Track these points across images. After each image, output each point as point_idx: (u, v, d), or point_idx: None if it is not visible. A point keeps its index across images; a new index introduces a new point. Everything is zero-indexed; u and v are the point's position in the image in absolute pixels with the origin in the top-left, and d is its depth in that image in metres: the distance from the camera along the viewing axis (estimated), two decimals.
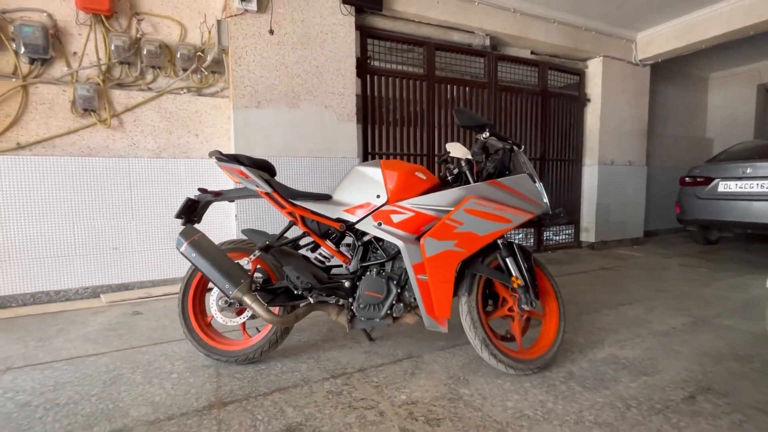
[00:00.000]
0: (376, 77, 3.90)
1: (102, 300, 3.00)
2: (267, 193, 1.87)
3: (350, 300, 1.82)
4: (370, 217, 1.81)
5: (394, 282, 1.81)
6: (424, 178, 1.84)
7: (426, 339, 2.20)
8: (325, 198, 1.89)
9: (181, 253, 1.71)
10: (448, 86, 4.30)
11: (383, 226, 1.78)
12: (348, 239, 1.94)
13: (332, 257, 1.92)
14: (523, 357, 1.78)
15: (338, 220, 1.85)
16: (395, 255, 1.83)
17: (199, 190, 1.94)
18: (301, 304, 1.84)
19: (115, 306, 2.92)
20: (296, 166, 3.42)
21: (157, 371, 1.85)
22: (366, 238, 1.87)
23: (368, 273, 1.82)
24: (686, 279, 3.58)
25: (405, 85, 4.06)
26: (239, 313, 1.87)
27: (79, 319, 2.63)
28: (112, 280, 3.15)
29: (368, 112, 3.91)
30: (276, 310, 1.91)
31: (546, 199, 1.82)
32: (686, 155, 6.89)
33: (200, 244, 1.73)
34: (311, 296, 1.78)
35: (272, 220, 3.33)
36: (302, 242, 1.97)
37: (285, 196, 1.86)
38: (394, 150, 4.09)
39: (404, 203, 1.77)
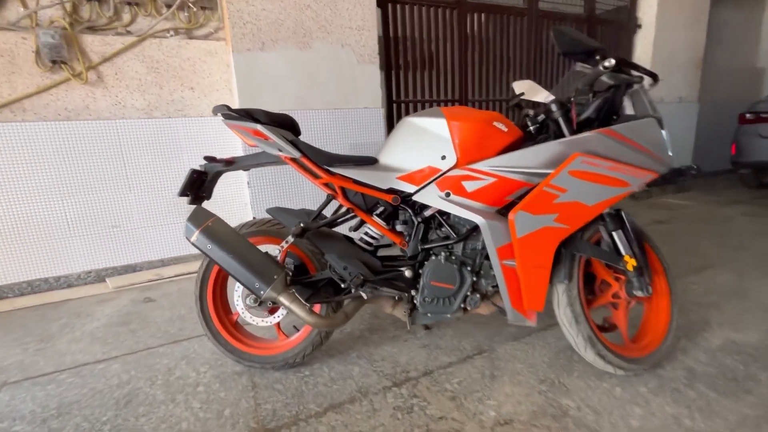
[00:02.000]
0: (399, 6, 3.24)
1: (108, 285, 2.68)
2: (294, 159, 1.43)
3: (411, 292, 1.44)
4: (433, 185, 1.37)
5: (468, 268, 1.41)
6: (505, 130, 1.37)
7: (490, 325, 1.85)
8: (370, 162, 1.44)
9: (193, 244, 1.31)
10: (482, 15, 3.62)
11: (453, 197, 1.35)
12: (403, 214, 1.51)
13: (382, 237, 1.52)
14: (632, 354, 1.42)
15: (390, 191, 1.42)
16: (468, 234, 1.41)
17: (206, 158, 1.49)
18: (346, 299, 1.46)
19: (123, 292, 2.60)
20: (311, 121, 2.91)
21: (179, 383, 1.53)
22: (427, 213, 1.45)
23: (433, 258, 1.42)
24: (762, 232, 3.17)
25: (432, 16, 3.40)
26: (272, 311, 1.51)
27: (84, 311, 2.31)
28: (116, 262, 2.81)
29: (390, 53, 3.30)
30: (317, 308, 1.55)
31: (671, 152, 1.36)
32: (735, 88, 6.17)
33: (216, 231, 1.32)
34: (364, 291, 1.40)
35: (295, 188, 2.89)
36: (339, 217, 1.56)
37: (318, 162, 1.42)
38: (422, 96, 3.53)
39: (481, 165, 1.33)
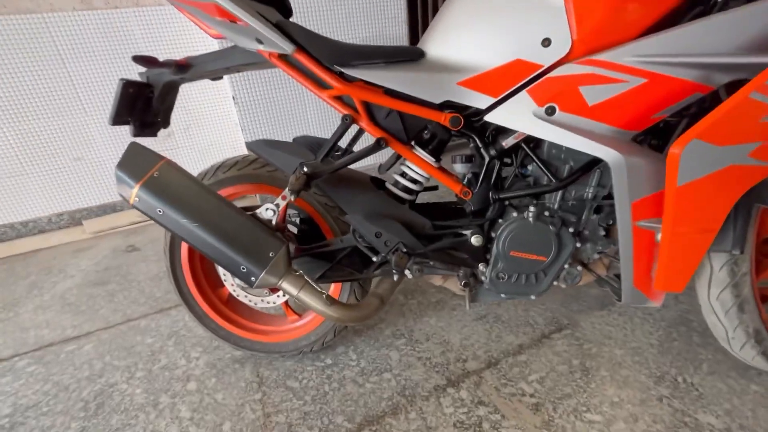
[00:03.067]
0: None
1: (85, 229, 2.27)
2: (284, 57, 0.85)
3: (478, 266, 0.96)
4: (524, 94, 0.80)
5: (570, 230, 0.90)
6: None
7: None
8: (411, 56, 0.85)
9: (134, 207, 0.82)
10: None
11: (559, 114, 0.79)
12: (463, 145, 0.96)
13: (428, 179, 0.99)
14: None
15: (446, 106, 0.86)
16: (575, 176, 0.87)
17: (138, 60, 0.90)
18: (378, 275, 0.99)
19: (102, 237, 2.20)
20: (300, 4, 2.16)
21: (165, 376, 1.17)
22: (508, 143, 0.89)
23: (514, 215, 0.91)
24: None
25: None
26: (275, 289, 1.07)
27: (57, 265, 1.94)
28: (90, 202, 2.36)
29: None
30: (335, 289, 1.10)
31: None
32: None
33: (168, 183, 0.81)
34: (409, 269, 0.92)
35: (301, 103, 2.26)
36: (362, 154, 1.01)
37: (326, 60, 0.83)
38: None
39: (616, 54, 0.73)
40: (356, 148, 0.95)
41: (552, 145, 0.89)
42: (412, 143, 0.94)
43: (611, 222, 0.92)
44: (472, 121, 0.89)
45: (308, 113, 2.34)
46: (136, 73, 1.00)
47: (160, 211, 0.81)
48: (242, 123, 2.21)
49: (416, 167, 0.95)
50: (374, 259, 0.94)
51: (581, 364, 1.08)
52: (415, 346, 1.19)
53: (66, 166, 2.24)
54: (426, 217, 0.94)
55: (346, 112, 0.88)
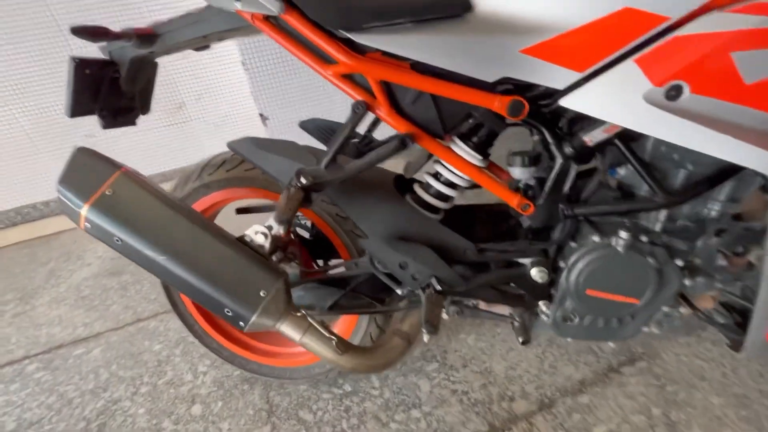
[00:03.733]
0: None
1: None
2: (271, 20, 0.60)
3: (539, 305, 0.72)
4: (629, 65, 0.51)
5: (679, 263, 0.63)
6: None
7: None
8: (451, 10, 0.57)
9: (87, 231, 0.63)
10: None
11: (691, 98, 0.50)
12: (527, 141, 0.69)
13: (470, 184, 0.73)
14: None
15: (502, 84, 0.58)
16: (700, 190, 0.59)
17: (81, 31, 0.66)
18: (401, 308, 0.78)
19: None
20: None
21: (170, 395, 1.06)
22: (594, 140, 0.61)
23: (594, 240, 0.64)
24: None
25: None
26: None
27: (76, 250, 1.88)
28: None
29: None
30: (345, 323, 0.90)
31: None
32: None
33: (125, 202, 0.62)
34: (446, 309, 0.70)
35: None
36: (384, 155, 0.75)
37: (328, 22, 0.57)
38: None
39: None
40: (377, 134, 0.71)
41: (661, 141, 0.60)
42: (451, 138, 0.68)
43: (739, 251, 0.64)
44: (540, 105, 0.61)
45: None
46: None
47: (117, 240, 0.62)
48: (254, 91, 1.97)
49: (452, 169, 0.70)
50: (398, 291, 0.72)
51: (664, 415, 0.84)
52: (450, 375, 1.00)
53: (79, 143, 2.13)
54: (465, 232, 0.70)
55: (358, 97, 0.62)
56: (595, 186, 0.66)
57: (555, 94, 0.59)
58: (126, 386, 1.11)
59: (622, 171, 0.65)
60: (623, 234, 0.61)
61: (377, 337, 0.90)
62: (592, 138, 0.60)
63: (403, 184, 0.78)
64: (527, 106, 0.59)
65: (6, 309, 1.53)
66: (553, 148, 0.63)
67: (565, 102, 0.57)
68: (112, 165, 0.64)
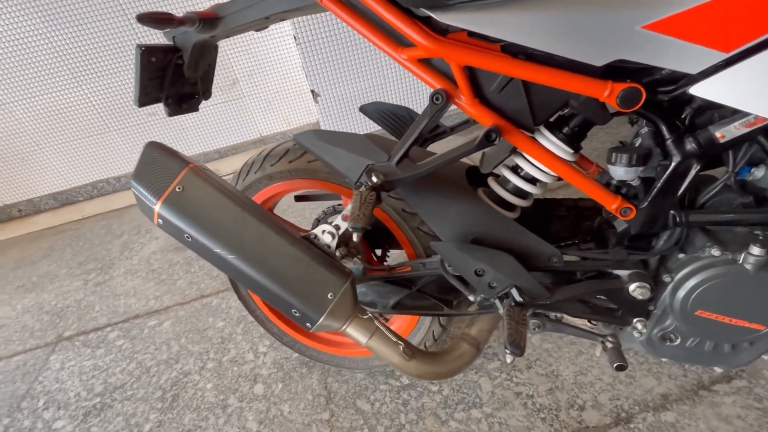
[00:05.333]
0: None
1: None
2: None
3: (634, 322, 0.64)
4: None
5: None
6: None
7: None
8: None
9: (160, 227, 0.63)
10: None
11: None
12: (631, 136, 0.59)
13: (556, 178, 0.64)
14: None
15: (612, 70, 0.48)
16: None
17: (147, 18, 0.64)
18: (471, 312, 0.72)
19: None
20: None
21: (234, 372, 1.11)
22: (726, 134, 0.50)
23: (714, 254, 0.54)
24: None
25: None
26: None
27: (145, 223, 2.01)
28: None
29: None
30: (404, 323, 0.86)
31: None
32: None
33: (195, 200, 0.61)
34: (530, 321, 0.64)
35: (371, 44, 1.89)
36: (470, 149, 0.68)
37: None
38: None
39: None
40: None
41: None
42: (540, 128, 0.60)
43: None
44: (657, 93, 0.51)
45: (382, 56, 1.95)
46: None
47: (188, 237, 0.61)
48: (306, 67, 1.92)
49: (541, 163, 0.61)
50: (470, 298, 0.67)
51: None
52: (513, 376, 0.95)
53: (143, 121, 2.23)
54: (541, 232, 0.62)
55: (437, 85, 0.55)
56: (718, 189, 0.55)
57: (682, 79, 0.49)
58: (194, 360, 1.18)
59: (759, 172, 0.53)
60: (756, 250, 0.50)
61: (439, 336, 0.87)
62: (726, 133, 0.49)
63: (474, 177, 0.71)
64: (644, 94, 0.49)
65: (89, 278, 1.67)
66: (671, 145, 0.53)
67: (698, 90, 0.46)
68: (181, 161, 0.63)
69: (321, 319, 0.62)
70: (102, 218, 2.16)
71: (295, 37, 1.83)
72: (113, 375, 1.19)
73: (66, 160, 2.24)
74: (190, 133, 2.33)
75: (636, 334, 0.64)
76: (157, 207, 0.61)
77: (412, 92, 2.12)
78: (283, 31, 2.09)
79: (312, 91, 2.01)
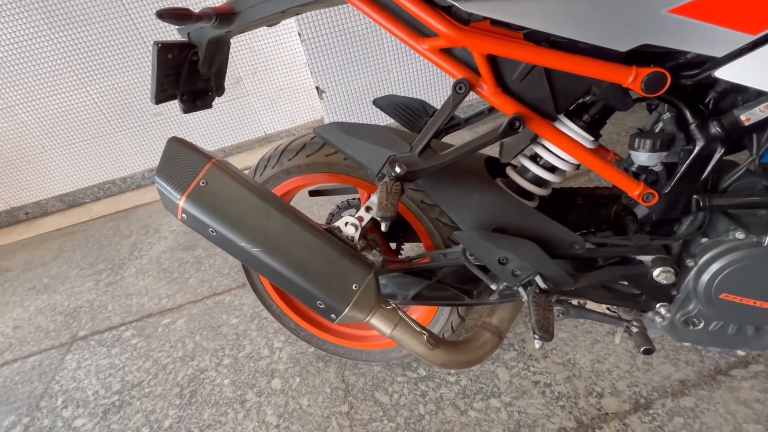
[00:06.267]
0: None
1: None
2: None
3: (657, 307, 0.64)
4: None
5: None
6: None
7: None
8: None
9: (184, 222, 0.64)
10: None
11: None
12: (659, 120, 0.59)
13: (577, 166, 0.64)
14: None
15: (635, 55, 0.49)
16: None
17: (167, 14, 0.64)
18: (492, 301, 0.73)
19: None
20: None
21: (250, 368, 1.12)
22: (751, 117, 0.50)
23: (738, 237, 0.55)
24: None
25: None
26: None
27: (152, 223, 2.01)
28: None
29: None
30: (428, 314, 0.87)
31: None
32: None
33: (219, 194, 0.61)
34: (555, 307, 0.64)
35: (376, 38, 1.88)
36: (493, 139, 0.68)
37: None
38: None
39: None
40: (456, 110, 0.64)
41: None
42: (562, 116, 0.60)
43: None
44: (681, 77, 0.51)
45: (386, 50, 1.95)
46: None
47: (212, 231, 0.62)
48: (311, 63, 1.92)
49: (559, 150, 0.62)
50: (492, 287, 0.67)
51: None
52: (530, 365, 0.96)
53: (148, 121, 2.23)
54: (562, 220, 0.62)
55: (458, 74, 0.56)
56: (741, 173, 0.56)
57: (706, 63, 0.49)
58: (210, 357, 1.19)
59: None
60: None
61: (457, 326, 0.87)
62: (751, 116, 0.50)
63: (492, 167, 0.72)
64: (669, 79, 0.49)
65: (101, 278, 1.68)
66: (694, 129, 0.53)
67: (724, 73, 0.46)
68: (204, 156, 0.63)
69: (346, 310, 0.63)
70: (110, 219, 2.17)
71: (299, 34, 1.82)
72: (130, 373, 1.20)
73: (72, 161, 2.25)
74: (194, 133, 2.33)
75: (658, 319, 0.65)
76: (182, 202, 0.61)
77: (418, 86, 2.11)
78: (287, 28, 2.08)
79: (317, 88, 2.01)
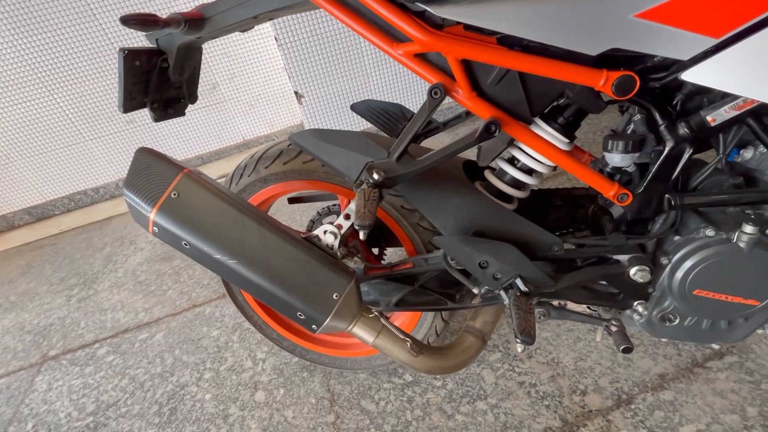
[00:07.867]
0: None
1: None
2: None
3: (635, 305, 0.65)
4: None
5: None
6: None
7: None
8: None
9: (156, 236, 0.61)
10: None
11: None
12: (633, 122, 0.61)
13: (553, 168, 0.65)
14: None
15: (610, 58, 0.49)
16: None
17: (132, 20, 0.61)
18: (474, 305, 0.73)
19: None
20: None
21: (233, 381, 1.09)
22: (717, 117, 0.52)
23: (708, 235, 0.56)
24: None
25: None
26: None
27: (127, 234, 1.95)
28: None
29: None
30: (412, 319, 0.86)
31: None
32: None
33: (191, 205, 0.59)
34: (536, 310, 0.64)
35: (354, 42, 1.87)
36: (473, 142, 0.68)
37: None
38: None
39: None
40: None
41: None
42: (536, 119, 0.60)
43: None
44: (650, 80, 0.52)
45: (365, 54, 1.94)
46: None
47: (186, 244, 0.60)
48: (288, 68, 1.90)
49: (538, 153, 0.62)
50: (474, 291, 0.67)
51: (761, 415, 0.78)
52: (515, 366, 0.96)
53: (121, 129, 2.16)
54: (539, 222, 0.63)
55: (433, 79, 0.55)
56: (709, 172, 0.57)
57: (673, 66, 0.50)
58: (191, 371, 1.15)
59: (747, 154, 0.55)
60: (748, 228, 0.52)
61: (442, 331, 0.87)
62: (717, 117, 0.51)
63: (471, 170, 0.72)
64: (638, 82, 0.50)
65: (72, 294, 1.61)
66: (664, 130, 0.54)
67: (690, 75, 0.48)
68: (175, 166, 0.61)
69: (327, 320, 0.61)
70: (82, 231, 2.09)
71: (276, 38, 1.80)
72: (105, 392, 1.15)
73: (40, 172, 2.15)
74: (170, 140, 2.27)
75: (636, 317, 0.66)
76: (152, 215, 0.59)
77: (397, 90, 2.12)
78: (263, 32, 2.06)
79: (296, 93, 1.98)
